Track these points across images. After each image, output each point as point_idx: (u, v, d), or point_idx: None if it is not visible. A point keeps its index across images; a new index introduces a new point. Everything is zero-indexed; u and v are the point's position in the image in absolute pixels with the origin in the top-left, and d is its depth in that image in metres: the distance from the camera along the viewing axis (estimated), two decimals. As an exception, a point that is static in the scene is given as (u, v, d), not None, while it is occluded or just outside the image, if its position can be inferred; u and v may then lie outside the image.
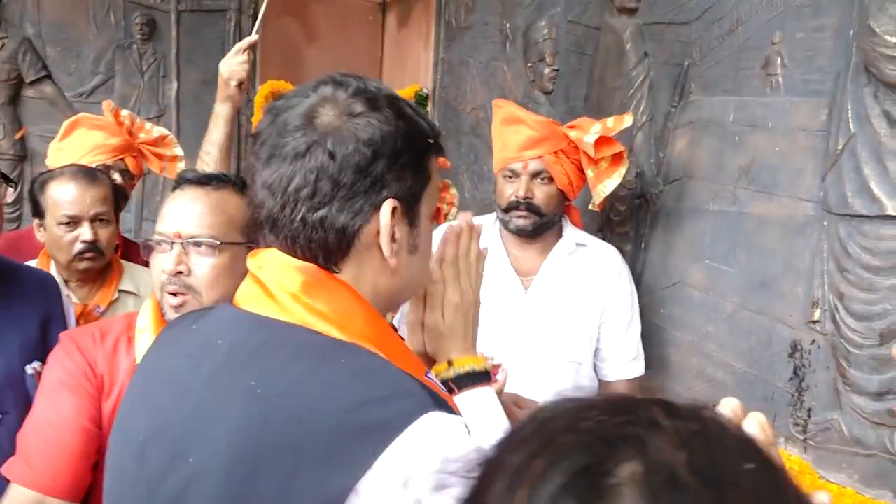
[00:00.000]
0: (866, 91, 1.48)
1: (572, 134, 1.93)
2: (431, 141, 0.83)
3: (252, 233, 1.14)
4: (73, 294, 1.84)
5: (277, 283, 0.79)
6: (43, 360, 1.36)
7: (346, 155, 0.76)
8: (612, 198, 2.10)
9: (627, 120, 1.93)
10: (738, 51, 1.83)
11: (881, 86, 1.45)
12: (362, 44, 4.61)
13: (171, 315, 1.19)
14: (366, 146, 0.76)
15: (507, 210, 1.94)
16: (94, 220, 1.81)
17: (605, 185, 1.94)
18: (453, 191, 3.13)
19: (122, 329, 1.30)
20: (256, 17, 2.18)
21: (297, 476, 0.67)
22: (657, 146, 2.13)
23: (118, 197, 1.96)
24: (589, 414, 0.37)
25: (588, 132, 1.90)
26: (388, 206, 0.77)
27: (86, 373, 1.23)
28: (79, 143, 2.20)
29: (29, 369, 1.39)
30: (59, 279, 1.74)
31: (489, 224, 2.02)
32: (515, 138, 1.94)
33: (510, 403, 1.15)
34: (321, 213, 0.76)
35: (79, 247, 1.80)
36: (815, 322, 1.60)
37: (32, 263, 1.84)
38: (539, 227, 1.93)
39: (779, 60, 1.71)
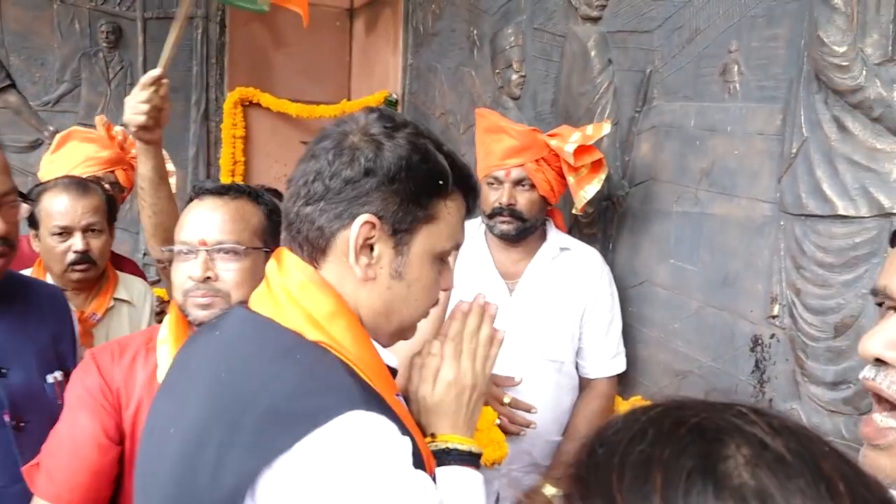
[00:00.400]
0: (817, 98, 1.56)
1: (553, 143, 1.98)
2: (441, 182, 0.87)
3: (269, 238, 1.27)
4: (69, 302, 1.86)
5: (281, 284, 0.87)
6: (59, 370, 1.42)
7: (341, 165, 0.85)
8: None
9: (606, 127, 1.99)
10: (698, 58, 1.91)
11: (831, 93, 1.52)
12: (330, 50, 4.63)
13: (197, 314, 1.23)
14: (361, 163, 0.84)
15: (491, 216, 2.00)
16: (85, 230, 1.84)
17: (587, 190, 2.00)
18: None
19: (141, 343, 1.34)
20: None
21: (230, 449, 0.75)
22: (622, 150, 2.20)
23: (111, 208, 1.97)
24: (686, 413, 0.45)
25: (568, 141, 1.96)
26: (362, 217, 0.84)
27: (102, 389, 1.27)
28: (70, 154, 2.23)
29: (50, 378, 1.42)
30: None
31: (474, 228, 2.07)
32: (498, 147, 1.99)
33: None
34: (309, 209, 0.86)
35: (71, 257, 1.83)
36: (774, 317, 1.67)
37: (27, 272, 1.85)
38: (522, 231, 1.99)
39: (736, 68, 1.78)
